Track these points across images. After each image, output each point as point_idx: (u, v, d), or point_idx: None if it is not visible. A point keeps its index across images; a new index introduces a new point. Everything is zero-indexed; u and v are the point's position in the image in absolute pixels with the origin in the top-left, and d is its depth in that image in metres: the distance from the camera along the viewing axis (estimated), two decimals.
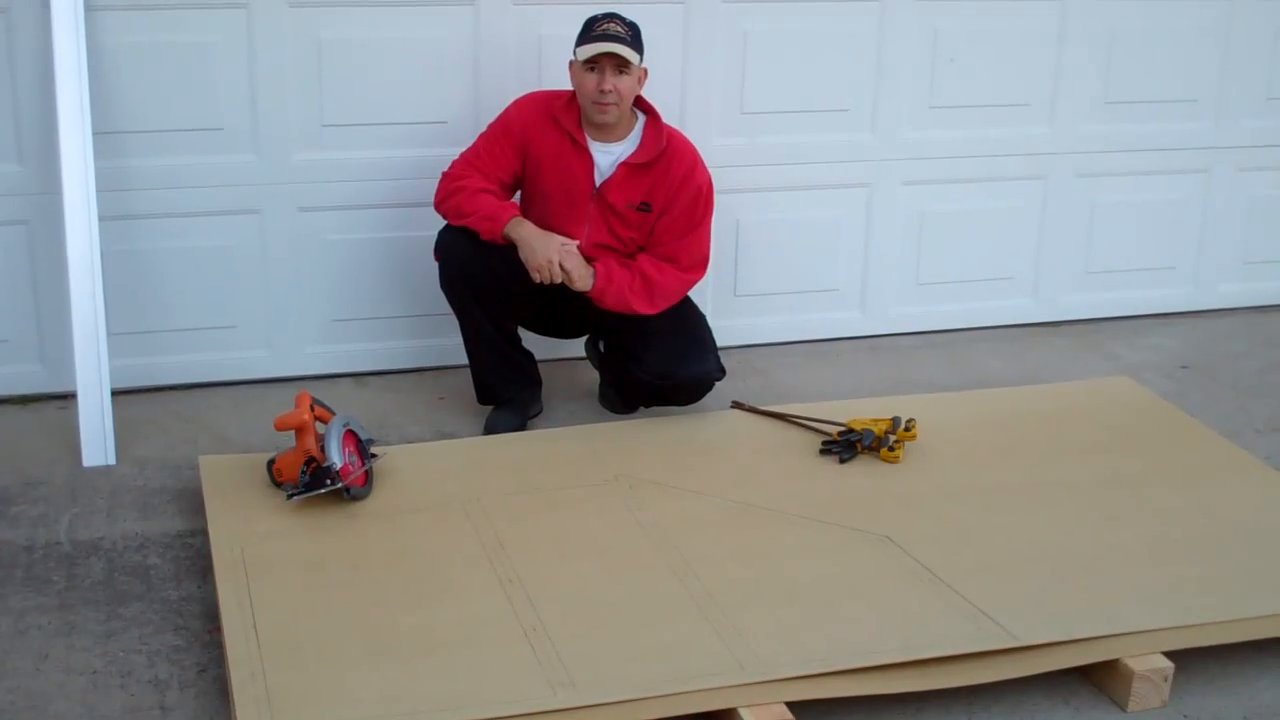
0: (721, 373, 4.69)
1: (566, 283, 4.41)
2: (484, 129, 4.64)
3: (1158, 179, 5.88)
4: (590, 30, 4.45)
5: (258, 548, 3.80)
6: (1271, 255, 6.15)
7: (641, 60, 4.47)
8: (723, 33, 5.18)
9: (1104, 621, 3.55)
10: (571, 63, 4.48)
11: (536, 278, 4.39)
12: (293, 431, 4.08)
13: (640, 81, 4.52)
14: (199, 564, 3.90)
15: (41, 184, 4.62)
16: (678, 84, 5.14)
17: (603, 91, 4.40)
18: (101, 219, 4.45)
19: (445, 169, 4.59)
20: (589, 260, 4.48)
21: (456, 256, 4.53)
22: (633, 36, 4.45)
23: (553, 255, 4.36)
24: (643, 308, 4.52)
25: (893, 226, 5.59)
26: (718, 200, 4.69)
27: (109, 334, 4.49)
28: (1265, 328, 6.00)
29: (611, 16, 4.47)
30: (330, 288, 5.03)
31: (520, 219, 4.45)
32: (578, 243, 4.45)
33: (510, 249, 4.43)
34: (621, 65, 4.41)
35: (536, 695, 3.22)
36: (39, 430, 4.64)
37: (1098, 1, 5.55)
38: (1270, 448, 4.81)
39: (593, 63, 4.41)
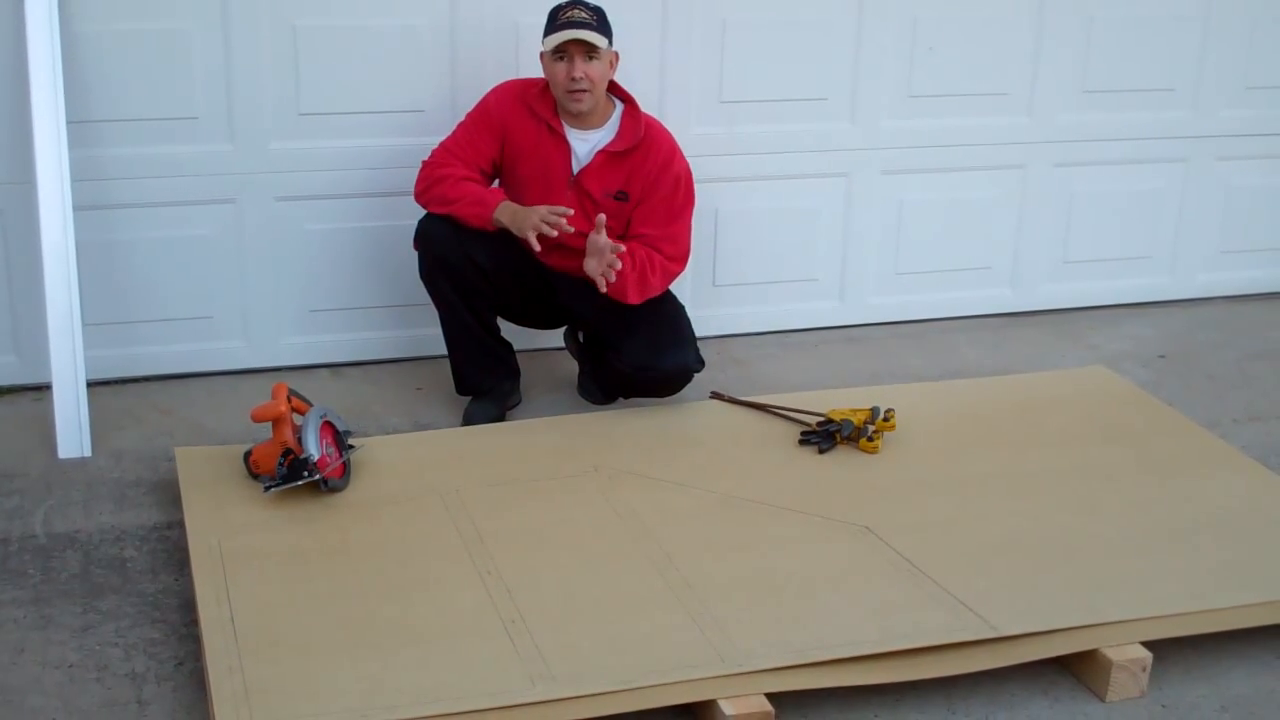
0: (700, 364, 4.69)
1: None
2: (462, 117, 4.63)
3: (1136, 168, 5.89)
4: (555, 20, 4.43)
5: (235, 540, 3.79)
6: (1249, 244, 6.17)
7: (610, 44, 4.46)
8: (701, 21, 5.17)
9: (1082, 612, 3.55)
10: (542, 54, 4.47)
11: (535, 242, 4.31)
12: (270, 423, 4.07)
13: (612, 66, 4.50)
14: (176, 556, 3.88)
15: (15, 173, 4.59)
16: (656, 73, 5.12)
17: (574, 79, 4.39)
18: (76, 209, 4.43)
19: (425, 158, 4.58)
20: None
21: (436, 246, 4.51)
22: (598, 21, 4.43)
23: (540, 213, 4.31)
24: (632, 298, 4.51)
25: (871, 216, 5.59)
26: (696, 190, 4.67)
27: (84, 325, 4.46)
28: (1242, 317, 6.01)
29: (574, 3, 4.45)
30: (307, 278, 5.01)
31: (507, 202, 4.43)
32: (571, 212, 4.39)
33: (491, 238, 4.42)
34: (590, 51, 4.39)
35: (515, 687, 3.21)
36: (14, 422, 4.61)
37: None
38: (1247, 437, 4.82)
39: (560, 51, 4.40)
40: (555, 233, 4.31)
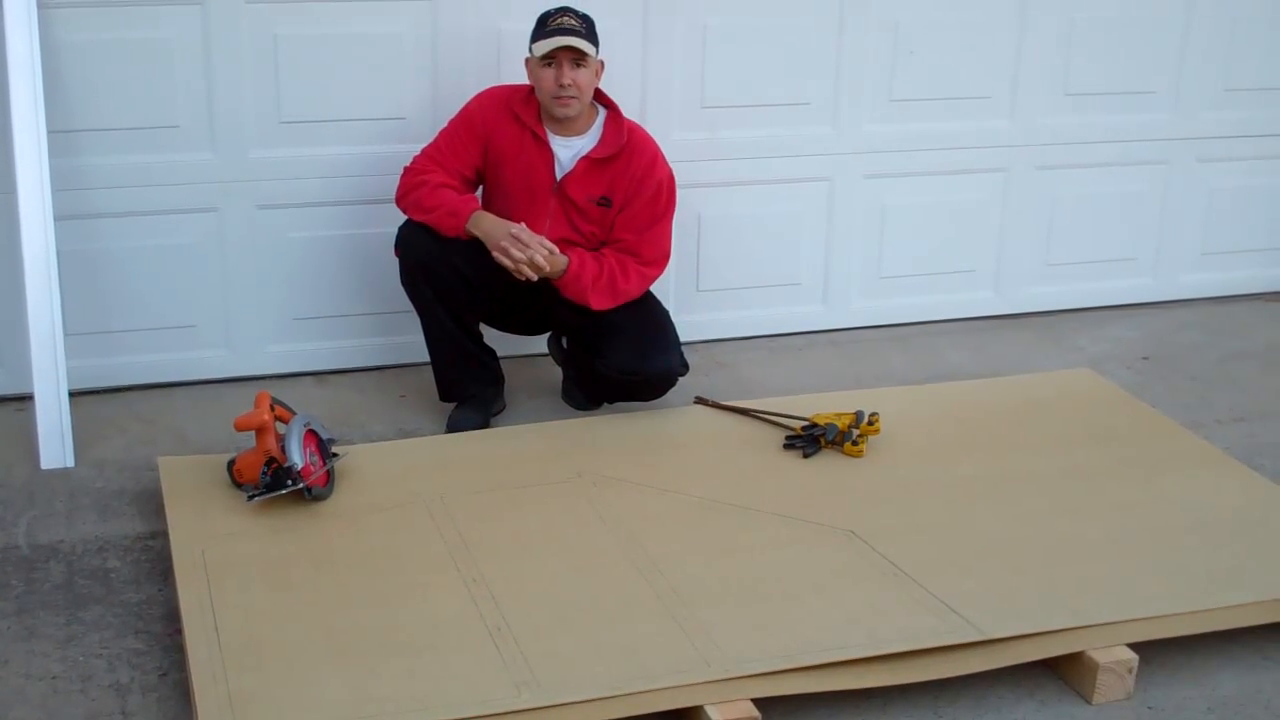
0: (685, 368, 4.69)
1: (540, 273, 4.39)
2: (445, 124, 4.62)
3: (1118, 171, 5.90)
4: (544, 26, 4.44)
5: (219, 549, 3.77)
6: (1231, 246, 6.18)
7: (598, 52, 4.46)
8: (682, 26, 5.16)
9: (1068, 614, 3.55)
10: (528, 59, 4.48)
11: (520, 278, 4.38)
12: (253, 432, 4.05)
13: (598, 74, 4.51)
14: (159, 566, 3.87)
15: None
16: (638, 78, 5.12)
17: (562, 86, 4.40)
18: (57, 218, 4.41)
19: (407, 164, 4.57)
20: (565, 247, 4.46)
21: (417, 252, 4.51)
22: (587, 29, 4.44)
23: (533, 246, 4.34)
24: (599, 304, 4.51)
25: (854, 220, 5.59)
26: (679, 195, 4.68)
27: (66, 334, 4.45)
28: (1225, 318, 6.03)
29: (565, 10, 4.47)
30: (290, 286, 5.00)
31: (481, 212, 4.43)
32: (521, 225, 4.41)
33: (472, 244, 4.41)
34: (578, 58, 4.40)
35: (501, 695, 3.20)
36: None
37: None
38: (1231, 438, 4.83)
39: (549, 58, 4.40)
40: (534, 275, 4.37)
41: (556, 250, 4.41)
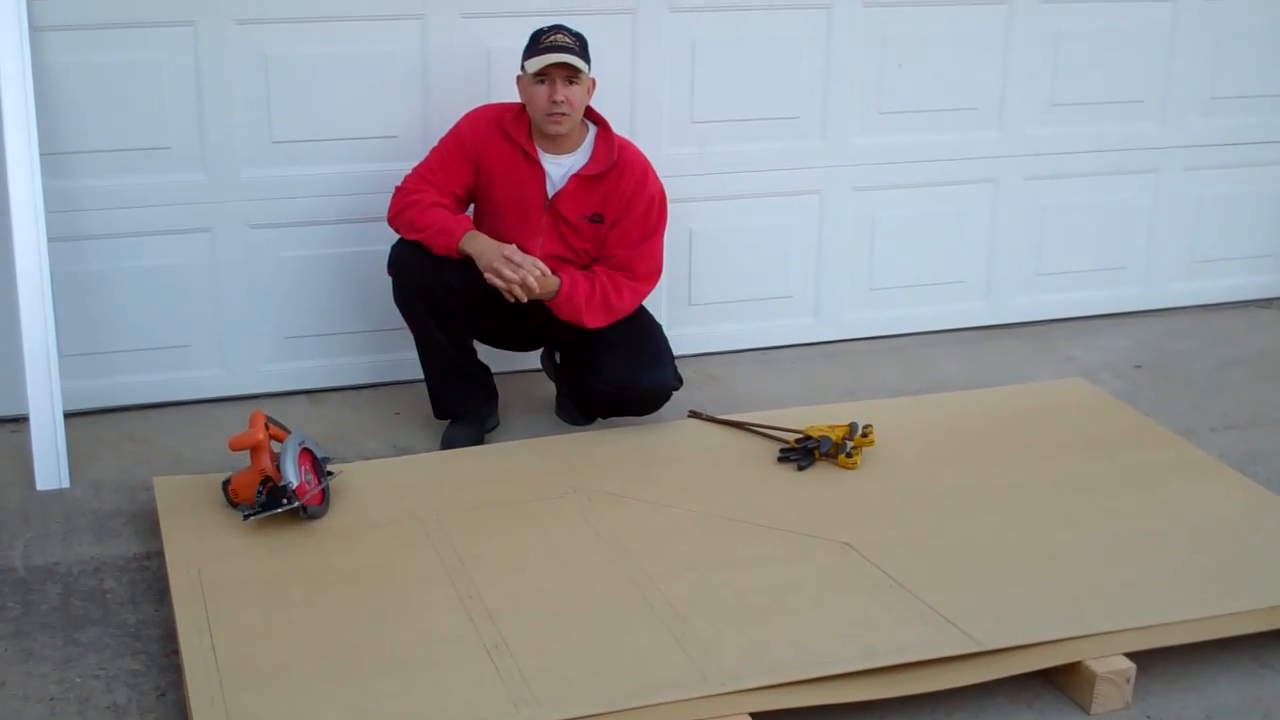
0: (679, 382, 4.69)
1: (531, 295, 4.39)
2: (435, 143, 4.63)
3: (1106, 180, 5.91)
4: (537, 43, 4.45)
5: (215, 569, 3.77)
6: (1220, 253, 6.20)
7: (590, 69, 4.47)
8: (671, 42, 5.18)
9: (1065, 624, 3.56)
10: (520, 77, 4.48)
11: (510, 299, 4.39)
12: (248, 451, 4.05)
13: (589, 91, 4.52)
14: (156, 587, 3.87)
15: None
16: (627, 94, 5.13)
17: (554, 103, 4.40)
18: (50, 240, 4.41)
19: (398, 183, 4.58)
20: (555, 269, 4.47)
21: (410, 271, 4.51)
22: (580, 46, 4.46)
23: (526, 268, 4.35)
24: (593, 322, 4.52)
25: (845, 232, 5.60)
26: (670, 210, 4.69)
27: (60, 356, 4.44)
28: (1216, 326, 6.04)
29: (558, 28, 4.48)
30: (283, 305, 5.00)
31: (474, 232, 4.44)
32: (513, 246, 4.42)
33: (465, 262, 4.42)
34: (571, 75, 4.41)
35: (499, 712, 3.20)
36: None
37: (1043, 5, 5.59)
38: (1224, 445, 4.84)
39: (542, 75, 4.41)
40: (525, 296, 4.36)
41: (549, 271, 4.41)
